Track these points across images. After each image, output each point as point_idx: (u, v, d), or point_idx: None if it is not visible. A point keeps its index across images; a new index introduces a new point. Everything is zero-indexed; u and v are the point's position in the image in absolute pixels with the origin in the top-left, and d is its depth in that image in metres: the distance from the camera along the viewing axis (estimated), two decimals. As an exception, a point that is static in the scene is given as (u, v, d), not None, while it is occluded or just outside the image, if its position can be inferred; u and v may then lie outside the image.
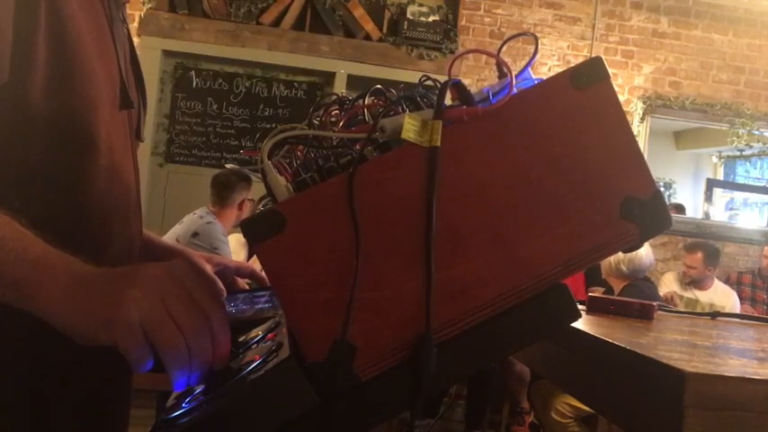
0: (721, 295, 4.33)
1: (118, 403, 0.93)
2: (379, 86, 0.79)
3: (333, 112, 0.81)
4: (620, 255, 3.55)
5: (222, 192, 3.54)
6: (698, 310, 3.31)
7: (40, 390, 0.79)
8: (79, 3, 0.78)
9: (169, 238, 3.24)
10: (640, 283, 3.63)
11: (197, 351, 0.63)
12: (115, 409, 0.93)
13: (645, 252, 3.66)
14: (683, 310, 3.13)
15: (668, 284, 4.36)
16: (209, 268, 1.06)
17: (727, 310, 3.70)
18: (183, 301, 0.62)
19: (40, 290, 0.62)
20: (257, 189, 3.54)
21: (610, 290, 3.75)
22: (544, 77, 0.71)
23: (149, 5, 4.75)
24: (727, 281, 4.98)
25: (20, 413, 0.77)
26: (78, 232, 0.80)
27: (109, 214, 0.84)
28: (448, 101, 0.69)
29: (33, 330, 0.77)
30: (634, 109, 5.25)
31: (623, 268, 3.60)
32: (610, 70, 0.69)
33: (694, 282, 4.33)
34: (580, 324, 0.83)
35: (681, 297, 4.28)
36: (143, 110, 0.99)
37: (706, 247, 4.37)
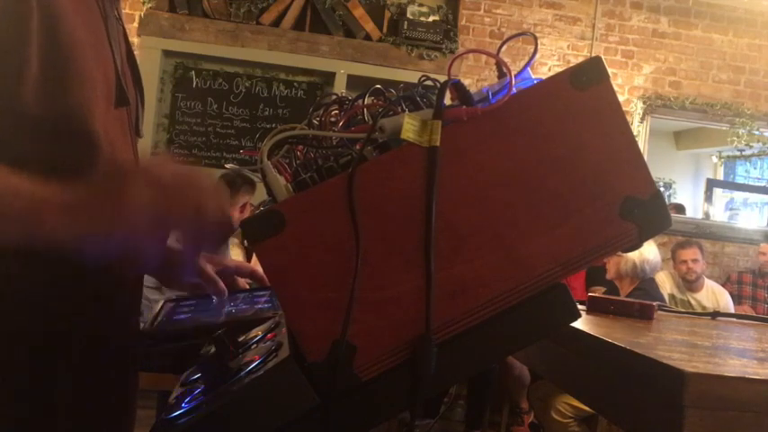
0: (712, 296, 4.32)
1: (122, 403, 0.93)
2: (378, 86, 0.79)
3: (332, 112, 0.81)
4: (644, 255, 3.55)
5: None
6: (692, 313, 3.29)
7: (43, 389, 0.79)
8: (73, 4, 0.77)
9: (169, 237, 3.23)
10: (647, 284, 3.63)
11: (205, 207, 0.69)
12: (119, 409, 0.93)
13: (654, 251, 3.66)
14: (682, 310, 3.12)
15: (662, 284, 4.34)
16: (209, 268, 1.06)
17: (720, 310, 3.69)
18: (172, 180, 0.68)
19: (44, 223, 0.65)
20: (261, 195, 3.53)
21: (612, 290, 3.74)
22: (544, 77, 0.71)
23: (149, 5, 4.75)
24: (727, 280, 4.97)
25: (22, 411, 0.77)
26: None
27: None
28: (447, 101, 0.69)
29: (37, 330, 0.77)
30: (634, 109, 5.24)
31: (647, 268, 3.59)
32: (610, 70, 0.69)
33: (697, 278, 4.31)
34: (580, 324, 0.83)
35: (675, 299, 4.27)
36: (141, 106, 0.99)
37: (697, 241, 4.38)
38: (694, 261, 4.27)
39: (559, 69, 0.74)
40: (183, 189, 0.69)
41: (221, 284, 1.06)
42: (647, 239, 0.71)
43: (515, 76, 0.69)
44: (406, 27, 4.95)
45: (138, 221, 0.67)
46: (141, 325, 1.02)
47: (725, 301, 4.33)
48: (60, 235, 0.66)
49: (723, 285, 4.71)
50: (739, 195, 6.57)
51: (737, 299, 4.75)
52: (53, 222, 0.66)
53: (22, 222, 0.66)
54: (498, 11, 5.23)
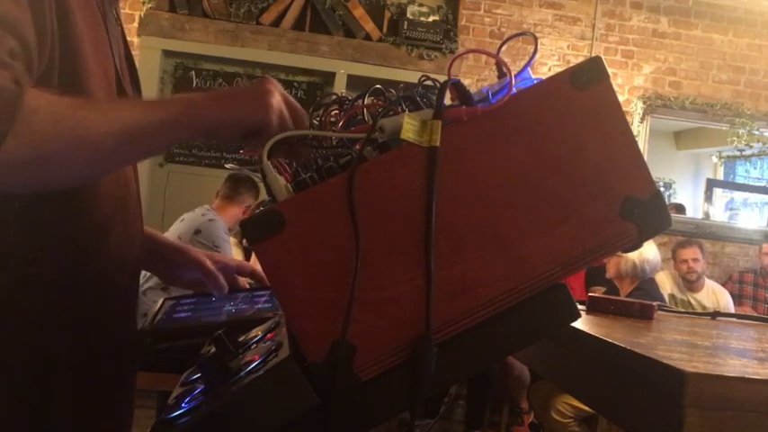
0: (712, 296, 4.32)
1: (121, 403, 0.93)
2: (378, 86, 0.79)
3: (332, 112, 0.81)
4: (644, 255, 3.55)
5: (237, 187, 3.55)
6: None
7: (43, 390, 0.79)
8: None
9: (170, 235, 3.24)
10: (647, 285, 3.63)
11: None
12: (118, 410, 0.93)
13: (654, 251, 3.66)
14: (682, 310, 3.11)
15: (662, 284, 4.33)
16: (210, 264, 1.06)
17: (720, 310, 3.68)
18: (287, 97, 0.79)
19: (198, 114, 0.74)
20: (262, 196, 3.54)
21: (612, 290, 3.74)
22: (544, 77, 0.71)
23: (149, 5, 4.75)
24: (729, 280, 4.96)
25: (21, 410, 0.77)
26: (77, 226, 0.80)
27: (108, 207, 0.84)
28: (447, 101, 0.69)
29: (37, 330, 0.77)
30: (634, 109, 5.24)
31: (647, 267, 3.59)
32: (610, 70, 0.69)
33: (698, 278, 4.30)
34: (580, 324, 0.83)
35: (675, 299, 4.26)
36: None
37: (698, 241, 4.38)
38: (695, 260, 4.26)
39: (559, 69, 0.74)
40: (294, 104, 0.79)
41: (222, 280, 1.06)
42: (647, 239, 0.71)
43: (515, 76, 0.69)
44: (406, 27, 4.94)
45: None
46: (140, 325, 1.02)
47: (725, 301, 4.33)
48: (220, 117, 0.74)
49: (724, 285, 4.70)
50: (739, 195, 6.56)
51: (738, 298, 4.74)
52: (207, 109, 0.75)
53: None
54: (498, 11, 5.22)
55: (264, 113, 0.74)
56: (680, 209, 5.63)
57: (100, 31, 0.83)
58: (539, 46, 5.07)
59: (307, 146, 0.77)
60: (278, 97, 0.76)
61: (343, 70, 4.96)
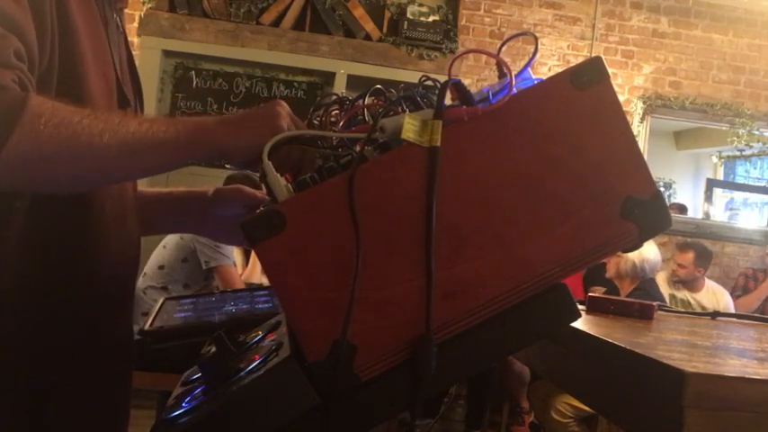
0: (712, 296, 4.32)
1: (119, 402, 0.93)
2: (378, 86, 0.79)
3: (333, 113, 0.81)
4: (644, 255, 3.55)
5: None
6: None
7: (41, 389, 0.79)
8: (76, 2, 0.78)
9: (171, 236, 3.24)
10: (647, 284, 3.63)
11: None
12: (116, 408, 0.93)
13: (654, 251, 3.66)
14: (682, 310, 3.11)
15: (662, 284, 4.33)
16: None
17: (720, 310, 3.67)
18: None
19: (208, 136, 0.76)
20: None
21: (612, 290, 3.74)
22: (544, 77, 0.71)
23: (149, 5, 4.74)
24: (744, 277, 4.95)
25: (19, 411, 0.77)
26: (76, 226, 0.80)
27: (105, 207, 0.85)
28: (448, 101, 0.69)
29: (34, 329, 0.77)
30: (634, 109, 5.24)
31: (647, 267, 3.59)
32: (610, 70, 0.69)
33: (683, 282, 4.31)
34: (580, 324, 0.83)
35: (675, 299, 4.26)
36: (140, 112, 0.99)
37: (698, 247, 4.35)
38: (680, 266, 4.28)
39: (559, 69, 0.74)
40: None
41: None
42: (647, 239, 0.71)
43: (516, 76, 0.69)
44: (406, 27, 4.94)
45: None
46: (140, 324, 1.02)
47: (725, 301, 4.33)
48: (230, 139, 0.76)
49: (736, 279, 4.70)
50: (739, 195, 6.56)
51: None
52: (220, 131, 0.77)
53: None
54: (498, 11, 5.22)
55: (274, 136, 0.74)
56: (682, 209, 5.63)
57: (100, 35, 0.84)
58: (539, 46, 5.06)
59: (312, 161, 0.77)
60: (287, 119, 0.77)
61: (343, 70, 4.95)
